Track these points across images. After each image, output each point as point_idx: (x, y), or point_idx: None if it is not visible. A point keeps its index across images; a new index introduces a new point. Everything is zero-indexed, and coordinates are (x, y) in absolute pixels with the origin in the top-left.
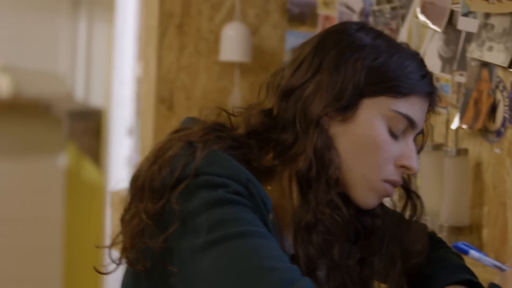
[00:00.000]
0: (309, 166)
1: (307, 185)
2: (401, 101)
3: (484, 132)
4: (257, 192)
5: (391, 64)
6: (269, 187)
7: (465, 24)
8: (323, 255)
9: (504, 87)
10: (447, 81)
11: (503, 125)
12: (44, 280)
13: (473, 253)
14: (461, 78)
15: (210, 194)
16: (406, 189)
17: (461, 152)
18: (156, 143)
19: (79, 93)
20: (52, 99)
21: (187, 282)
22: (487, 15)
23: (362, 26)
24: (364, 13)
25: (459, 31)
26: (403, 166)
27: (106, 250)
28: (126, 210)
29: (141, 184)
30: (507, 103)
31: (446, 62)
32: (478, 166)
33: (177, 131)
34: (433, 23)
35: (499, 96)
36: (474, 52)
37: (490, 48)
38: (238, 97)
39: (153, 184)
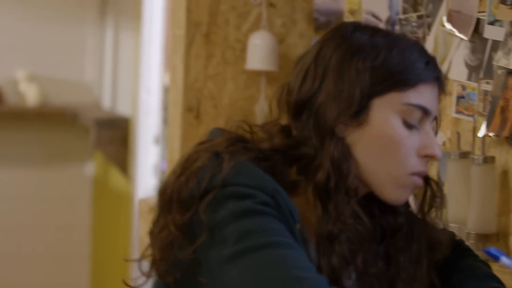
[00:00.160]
0: (327, 177)
1: (327, 197)
2: (411, 92)
3: (511, 139)
4: (284, 202)
5: (393, 59)
6: (295, 200)
7: (492, 33)
8: (347, 265)
9: None
10: (474, 89)
11: None
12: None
13: (504, 259)
14: (487, 86)
15: (238, 205)
16: (424, 177)
17: (488, 160)
18: (182, 154)
19: (106, 102)
20: (79, 108)
21: None
22: None
23: (357, 26)
24: (390, 21)
25: (486, 40)
26: (426, 156)
27: (135, 263)
28: (155, 222)
29: (169, 196)
30: None
31: (473, 70)
32: (505, 174)
33: (203, 142)
34: (460, 32)
35: None
36: (501, 60)
37: None
38: (264, 105)
39: (180, 196)
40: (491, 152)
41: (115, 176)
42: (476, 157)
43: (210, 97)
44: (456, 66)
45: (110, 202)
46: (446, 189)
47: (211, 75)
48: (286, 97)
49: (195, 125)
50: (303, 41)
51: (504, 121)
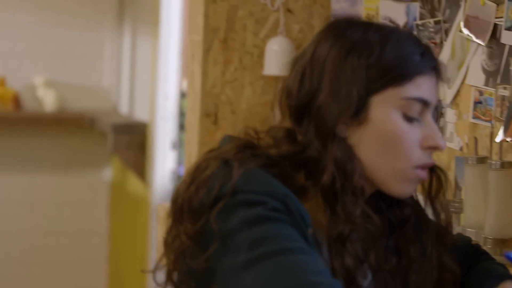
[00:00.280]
0: (333, 179)
1: (334, 198)
2: (408, 85)
3: None
4: (294, 207)
5: (387, 54)
6: (305, 205)
7: (509, 38)
8: (361, 264)
9: None
10: (491, 94)
11: None
12: None
13: None
14: (505, 92)
15: (249, 212)
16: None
17: (506, 165)
18: (193, 162)
19: (124, 107)
20: (97, 113)
21: None
22: None
23: (349, 22)
24: (407, 27)
25: (503, 45)
26: (429, 147)
27: (151, 275)
28: (168, 232)
29: (180, 205)
30: None
31: (490, 75)
32: None
33: (212, 150)
34: (477, 37)
35: None
36: None
37: None
38: None
39: (191, 205)
40: (508, 157)
41: (133, 181)
42: (493, 162)
43: (227, 103)
44: (473, 71)
45: (127, 207)
46: (464, 195)
47: (229, 80)
48: (286, 101)
49: (213, 130)
50: None
51: None
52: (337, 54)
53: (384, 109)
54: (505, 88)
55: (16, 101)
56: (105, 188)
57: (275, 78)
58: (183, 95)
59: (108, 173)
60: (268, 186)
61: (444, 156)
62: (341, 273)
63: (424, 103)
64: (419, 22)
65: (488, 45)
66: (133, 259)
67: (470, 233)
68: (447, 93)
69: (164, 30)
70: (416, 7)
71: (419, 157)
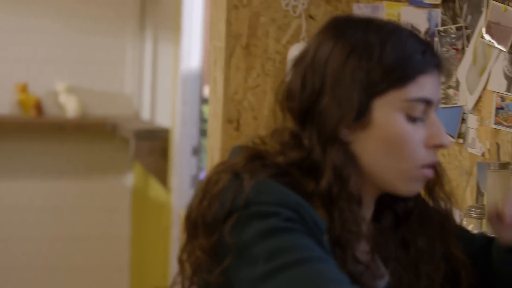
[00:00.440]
0: (330, 185)
1: (331, 204)
2: (411, 86)
3: None
4: (308, 215)
5: (388, 55)
6: (319, 211)
7: None
8: (368, 269)
9: None
10: None
11: None
12: None
13: None
14: None
15: (263, 224)
16: None
17: None
18: (202, 179)
19: (145, 113)
20: (119, 119)
21: None
22: None
23: (349, 22)
24: (429, 33)
25: None
26: (434, 146)
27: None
28: (182, 250)
29: (193, 221)
30: None
31: None
32: None
33: (223, 163)
34: (499, 43)
35: None
36: None
37: None
38: None
39: (205, 220)
40: None
41: (154, 187)
42: None
43: (250, 109)
44: (495, 77)
45: (149, 213)
46: (486, 200)
47: (251, 86)
48: (288, 103)
49: (235, 136)
50: None
51: None
52: (337, 57)
53: (387, 111)
54: None
55: (38, 107)
56: (127, 193)
57: None
58: (205, 101)
59: (130, 179)
60: (280, 196)
61: (466, 162)
62: (351, 277)
63: (428, 102)
64: (441, 28)
65: (510, 51)
66: (155, 265)
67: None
68: (469, 99)
69: (185, 36)
70: (438, 13)
71: (424, 156)
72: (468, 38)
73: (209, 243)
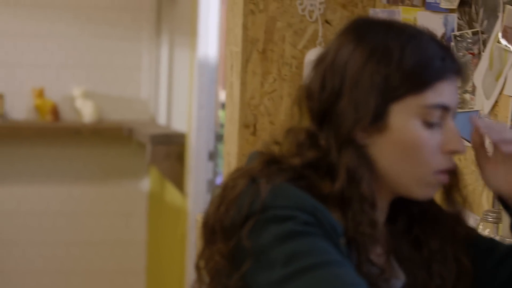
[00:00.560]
0: (343, 187)
1: (344, 205)
2: (429, 93)
3: None
4: (325, 218)
5: (407, 60)
6: (335, 214)
7: None
8: (382, 272)
9: None
10: None
11: None
12: None
13: None
14: None
15: (280, 228)
16: None
17: None
18: (219, 185)
19: (162, 118)
20: (135, 124)
21: None
22: None
23: (370, 24)
24: (445, 38)
25: None
26: (450, 151)
27: None
28: (199, 256)
29: (211, 227)
30: None
31: None
32: None
33: (240, 168)
34: None
35: None
36: None
37: None
38: None
39: (223, 225)
40: None
41: (171, 192)
42: None
43: (266, 114)
44: (511, 82)
45: (165, 217)
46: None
47: (268, 91)
48: (307, 102)
49: (252, 141)
50: None
51: None
52: (357, 60)
53: (404, 117)
54: None
55: (55, 112)
56: (143, 198)
57: None
58: (221, 106)
59: (146, 184)
60: (296, 200)
61: None
62: (368, 279)
63: (445, 108)
64: (457, 33)
65: None
66: (171, 269)
67: (509, 243)
68: (485, 104)
69: (201, 41)
70: (454, 18)
71: (440, 162)
72: (484, 43)
73: (227, 248)
